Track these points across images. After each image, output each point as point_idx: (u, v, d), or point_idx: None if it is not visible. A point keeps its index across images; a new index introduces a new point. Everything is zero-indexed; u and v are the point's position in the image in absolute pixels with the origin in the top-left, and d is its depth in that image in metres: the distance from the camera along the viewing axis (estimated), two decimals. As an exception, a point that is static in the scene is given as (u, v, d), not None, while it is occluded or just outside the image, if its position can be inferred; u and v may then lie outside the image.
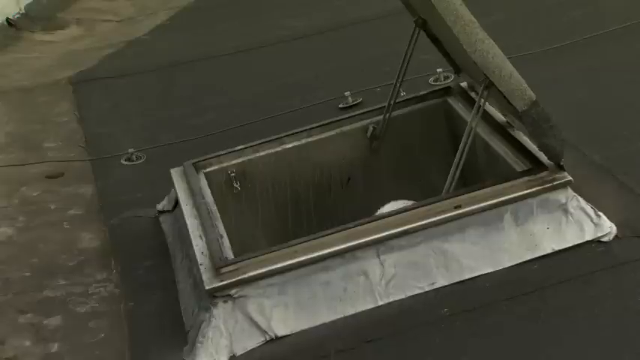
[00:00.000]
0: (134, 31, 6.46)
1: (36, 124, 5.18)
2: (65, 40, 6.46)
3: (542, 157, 3.15)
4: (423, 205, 3.10)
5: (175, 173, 3.83)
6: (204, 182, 3.71)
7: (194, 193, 3.58)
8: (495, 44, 2.99)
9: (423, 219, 3.04)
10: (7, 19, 6.36)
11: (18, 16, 6.45)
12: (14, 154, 4.79)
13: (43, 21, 6.59)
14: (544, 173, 3.10)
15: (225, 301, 2.97)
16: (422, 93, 4.02)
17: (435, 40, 3.70)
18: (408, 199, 3.36)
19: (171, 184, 3.81)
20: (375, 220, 3.11)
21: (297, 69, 5.51)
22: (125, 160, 4.65)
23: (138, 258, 3.77)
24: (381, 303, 3.01)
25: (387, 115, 3.81)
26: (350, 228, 3.07)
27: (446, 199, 3.09)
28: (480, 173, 3.49)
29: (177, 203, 3.77)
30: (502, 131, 3.46)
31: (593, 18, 5.15)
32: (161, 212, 3.97)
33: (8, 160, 4.72)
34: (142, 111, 5.20)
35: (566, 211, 3.06)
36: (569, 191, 3.09)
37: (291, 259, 3.00)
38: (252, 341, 2.96)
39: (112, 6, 7.00)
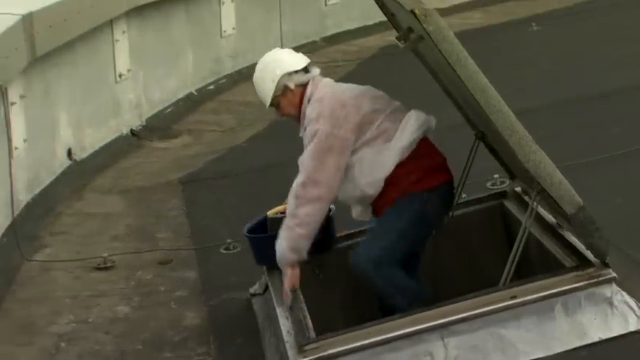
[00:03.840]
0: (234, 140, 6.58)
1: (151, 218, 5.27)
2: (177, 147, 6.63)
3: (589, 255, 3.09)
4: (482, 295, 3.04)
5: (266, 262, 3.83)
6: (291, 271, 3.69)
7: (282, 281, 3.56)
8: (545, 155, 2.95)
9: (482, 307, 2.99)
10: (132, 130, 6.56)
11: (140, 127, 6.65)
12: (132, 243, 4.85)
13: (160, 131, 6.78)
14: (591, 269, 3.04)
15: (308, 375, 2.93)
16: (481, 196, 3.99)
17: (492, 150, 3.68)
18: (469, 289, 3.29)
19: (262, 271, 3.82)
20: (440, 307, 3.05)
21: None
22: (224, 249, 4.66)
23: (233, 335, 3.78)
24: (445, 381, 2.92)
25: (451, 213, 3.77)
26: (417, 313, 3.03)
27: (503, 289, 3.04)
28: (533, 267, 3.42)
29: (267, 287, 3.77)
30: (553, 231, 3.41)
31: (631, 134, 5.12)
32: (253, 295, 3.96)
33: (126, 249, 4.78)
34: (239, 207, 5.24)
35: (611, 304, 2.99)
36: (614, 286, 3.02)
37: (365, 339, 2.97)
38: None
39: (217, 119, 7.18)
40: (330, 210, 3.66)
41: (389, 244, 3.43)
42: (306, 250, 3.50)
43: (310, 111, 3.55)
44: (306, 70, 3.65)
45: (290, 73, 3.63)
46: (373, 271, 3.40)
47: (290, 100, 3.63)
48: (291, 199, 3.52)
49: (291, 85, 3.61)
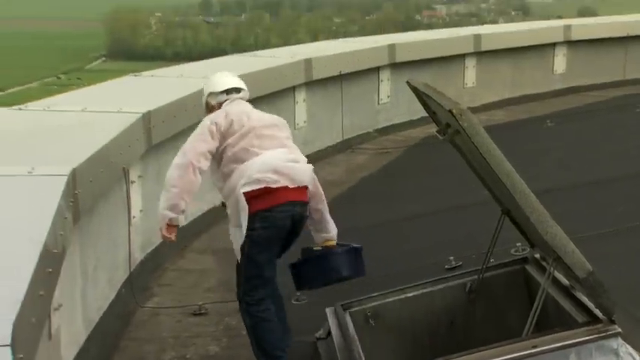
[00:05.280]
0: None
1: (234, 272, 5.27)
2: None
3: (598, 312, 3.01)
4: (508, 344, 2.97)
5: (329, 311, 3.80)
6: (348, 319, 3.66)
7: (342, 327, 3.55)
8: (560, 229, 2.92)
9: (507, 354, 2.91)
10: (222, 202, 6.55)
11: None
12: (221, 294, 4.85)
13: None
14: (599, 325, 2.96)
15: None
16: (506, 261, 3.92)
17: (516, 223, 3.65)
18: (496, 339, 3.22)
19: (326, 319, 3.80)
20: (472, 354, 2.98)
21: (417, 240, 5.50)
22: (294, 301, 4.64)
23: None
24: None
25: (481, 275, 3.73)
26: (454, 359, 2.97)
27: (525, 340, 2.97)
28: (550, 322, 3.33)
29: (329, 333, 3.74)
30: (567, 291, 3.33)
31: (633, 213, 5.04)
32: (318, 339, 3.93)
33: (217, 298, 4.80)
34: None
35: (617, 355, 2.88)
36: (620, 340, 2.92)
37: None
38: None
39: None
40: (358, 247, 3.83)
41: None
42: (177, 209, 3.75)
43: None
44: (228, 92, 4.00)
45: (213, 93, 4.03)
46: None
47: (212, 112, 3.99)
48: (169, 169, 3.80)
49: (212, 102, 4.04)
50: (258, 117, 3.93)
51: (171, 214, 3.76)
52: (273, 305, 3.76)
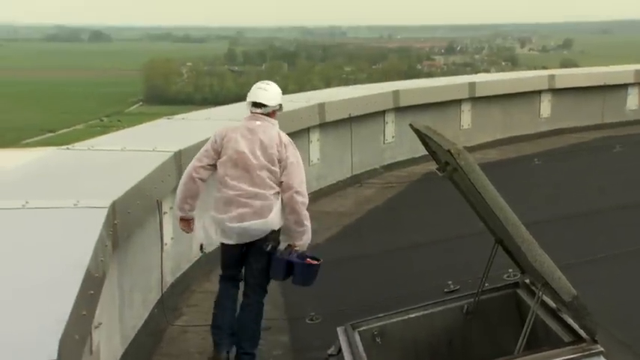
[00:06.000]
0: (315, 239, 6.55)
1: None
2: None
3: (583, 333, 2.98)
4: (502, 362, 2.93)
5: (340, 330, 3.75)
6: (357, 337, 3.62)
7: (351, 344, 3.51)
8: (548, 257, 2.90)
9: (502, 370, 2.87)
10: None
11: None
12: None
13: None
14: (584, 344, 2.92)
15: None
16: (499, 285, 3.87)
17: (508, 252, 3.62)
18: (490, 356, 3.18)
19: (337, 337, 3.76)
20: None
21: (419, 266, 5.46)
22: (308, 320, 4.63)
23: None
24: None
25: (477, 298, 3.69)
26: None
27: (517, 357, 2.93)
28: (539, 341, 3.29)
29: (340, 350, 3.71)
30: (554, 314, 3.27)
31: (614, 243, 4.99)
32: (330, 355, 3.88)
33: None
34: (319, 288, 5.20)
35: (600, 371, 2.84)
36: (602, 358, 2.88)
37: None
38: None
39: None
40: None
41: None
42: (183, 209, 4.12)
43: None
44: (253, 104, 4.07)
45: (247, 102, 4.13)
46: None
47: None
48: None
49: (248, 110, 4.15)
50: (245, 145, 3.97)
51: (179, 213, 4.16)
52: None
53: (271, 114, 4.07)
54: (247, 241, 3.98)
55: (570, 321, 3.13)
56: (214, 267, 5.78)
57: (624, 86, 11.21)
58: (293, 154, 3.99)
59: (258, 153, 3.92)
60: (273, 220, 3.92)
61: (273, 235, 3.98)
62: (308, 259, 4.00)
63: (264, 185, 3.90)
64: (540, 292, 3.07)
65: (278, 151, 3.95)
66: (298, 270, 3.98)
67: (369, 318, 3.77)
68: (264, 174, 3.91)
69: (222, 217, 3.94)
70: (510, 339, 3.33)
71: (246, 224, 3.89)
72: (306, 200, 3.99)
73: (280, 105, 4.13)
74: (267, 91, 4.06)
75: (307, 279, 4.04)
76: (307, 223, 3.99)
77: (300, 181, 3.97)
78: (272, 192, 3.92)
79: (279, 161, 3.94)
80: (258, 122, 4.02)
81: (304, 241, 4.01)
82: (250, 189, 3.90)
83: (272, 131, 4.01)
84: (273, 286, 5.33)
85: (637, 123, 10.82)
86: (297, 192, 3.92)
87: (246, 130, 4.00)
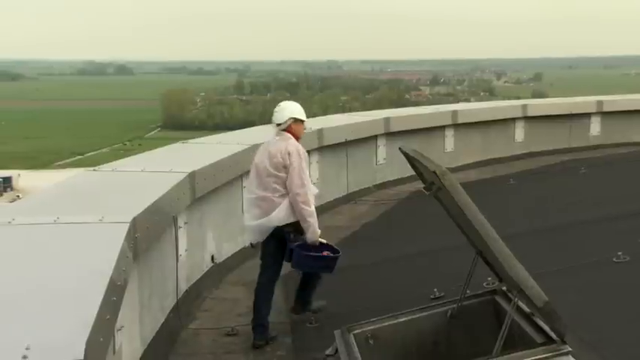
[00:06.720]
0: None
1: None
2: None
3: (553, 335, 2.95)
4: (481, 361, 2.91)
5: (337, 333, 3.72)
6: (352, 339, 3.59)
7: (347, 346, 3.49)
8: (522, 266, 2.89)
9: (482, 369, 2.85)
10: (251, 244, 6.27)
11: (257, 242, 6.54)
12: (248, 318, 4.67)
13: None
14: (554, 345, 2.90)
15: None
16: (479, 292, 3.83)
17: (487, 262, 3.60)
18: (473, 356, 3.15)
19: (335, 339, 3.73)
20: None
21: (408, 275, 5.43)
22: (309, 324, 4.59)
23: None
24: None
25: (459, 304, 3.67)
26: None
27: (495, 357, 2.91)
28: (515, 342, 3.27)
29: (337, 351, 3.68)
30: (528, 317, 3.25)
31: (583, 253, 4.98)
32: (328, 356, 3.85)
33: (248, 322, 4.62)
34: (321, 294, 5.16)
35: (569, 369, 2.82)
36: (570, 357, 2.87)
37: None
38: None
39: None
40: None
41: None
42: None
43: None
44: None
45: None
46: None
47: None
48: None
49: None
50: (258, 156, 4.40)
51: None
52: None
53: (288, 129, 4.39)
54: (261, 237, 4.34)
55: (542, 324, 3.11)
56: (224, 275, 5.79)
57: (587, 115, 11.41)
58: (295, 160, 4.23)
59: (266, 162, 4.28)
60: (277, 216, 4.23)
61: (290, 228, 4.27)
62: (325, 252, 4.29)
63: (270, 189, 4.25)
64: (516, 299, 3.06)
65: (282, 158, 4.24)
66: (292, 254, 4.27)
67: (362, 322, 3.74)
68: (271, 179, 4.26)
69: (245, 217, 4.41)
70: (489, 340, 3.30)
71: (255, 223, 4.32)
72: (307, 199, 4.20)
73: (292, 118, 4.41)
74: (277, 112, 4.45)
75: (298, 263, 4.30)
76: (310, 219, 4.22)
77: (300, 184, 4.16)
78: (277, 194, 4.23)
79: (285, 167, 4.23)
80: (276, 137, 4.40)
81: (310, 233, 4.25)
82: (261, 193, 4.27)
83: (282, 143, 4.31)
84: (277, 293, 5.33)
85: (599, 147, 10.97)
86: (296, 194, 4.20)
87: (264, 145, 4.44)
